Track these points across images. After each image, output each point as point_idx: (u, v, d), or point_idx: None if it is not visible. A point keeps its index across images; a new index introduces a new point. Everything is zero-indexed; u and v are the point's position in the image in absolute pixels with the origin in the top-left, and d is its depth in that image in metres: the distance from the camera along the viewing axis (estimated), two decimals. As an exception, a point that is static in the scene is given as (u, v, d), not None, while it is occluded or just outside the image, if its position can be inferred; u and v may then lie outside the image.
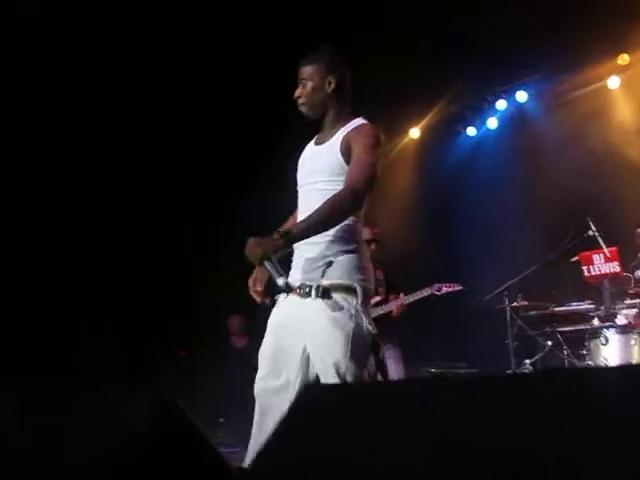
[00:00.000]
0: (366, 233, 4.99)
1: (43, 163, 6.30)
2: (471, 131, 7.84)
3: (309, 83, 2.68)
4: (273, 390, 2.55)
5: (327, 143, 2.68)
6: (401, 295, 4.80)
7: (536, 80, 7.17)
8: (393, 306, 4.78)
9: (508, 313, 4.91)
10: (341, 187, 2.54)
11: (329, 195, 2.53)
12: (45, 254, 6.30)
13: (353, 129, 2.63)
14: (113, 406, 1.74)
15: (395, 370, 4.76)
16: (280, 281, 2.39)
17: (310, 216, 2.48)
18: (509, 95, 7.45)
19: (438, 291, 4.76)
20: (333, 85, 2.68)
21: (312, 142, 2.81)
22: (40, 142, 6.33)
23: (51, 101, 6.13)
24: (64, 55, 5.89)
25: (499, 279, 5.27)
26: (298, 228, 2.49)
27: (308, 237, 2.49)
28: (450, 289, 4.75)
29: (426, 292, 4.77)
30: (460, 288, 4.76)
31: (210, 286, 6.51)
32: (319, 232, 2.50)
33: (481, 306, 5.14)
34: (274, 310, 2.68)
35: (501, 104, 7.52)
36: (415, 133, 7.90)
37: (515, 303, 4.98)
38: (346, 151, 2.59)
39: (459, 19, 6.02)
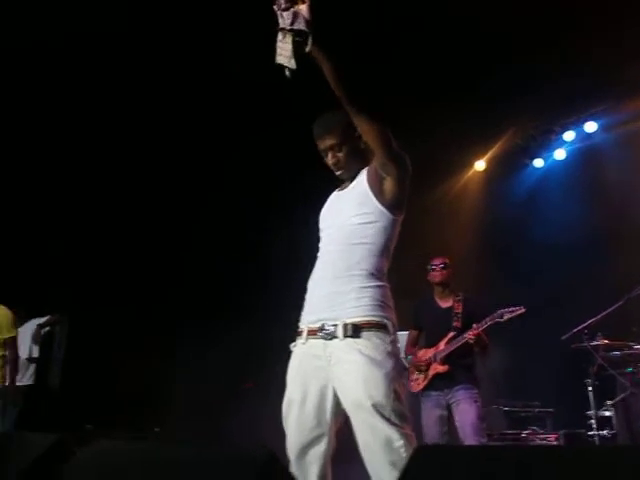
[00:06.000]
0: (436, 260, 4.97)
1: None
2: (538, 163, 7.71)
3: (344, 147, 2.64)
4: (306, 446, 2.44)
5: (352, 184, 2.66)
6: (473, 326, 4.66)
7: (605, 110, 7.02)
8: (469, 335, 4.63)
9: (588, 352, 4.74)
10: (369, 220, 2.52)
11: (359, 229, 2.51)
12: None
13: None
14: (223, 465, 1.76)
15: (463, 410, 4.58)
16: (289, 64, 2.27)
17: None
18: (577, 126, 7.32)
19: (500, 318, 4.60)
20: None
21: (335, 192, 2.79)
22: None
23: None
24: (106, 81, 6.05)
25: (575, 317, 5.11)
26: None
27: (331, 70, 2.35)
28: (513, 314, 4.58)
29: (490, 321, 4.62)
30: (522, 310, 4.57)
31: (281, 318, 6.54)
32: (336, 81, 2.36)
33: (559, 344, 4.98)
34: (291, 361, 2.56)
35: (569, 135, 7.39)
36: (480, 165, 7.82)
37: (595, 341, 4.81)
38: (372, 179, 2.55)
39: (525, 51, 5.96)
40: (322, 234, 2.71)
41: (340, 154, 2.64)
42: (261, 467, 1.64)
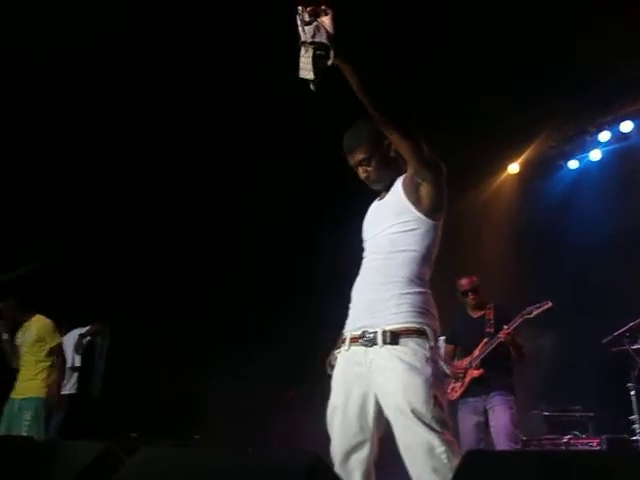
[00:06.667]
0: (465, 283, 4.96)
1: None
2: (573, 164, 7.63)
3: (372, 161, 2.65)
4: (349, 451, 2.45)
5: (389, 193, 2.66)
6: (504, 327, 4.67)
7: (641, 109, 6.92)
8: (501, 335, 4.64)
9: (630, 355, 4.68)
10: (410, 228, 2.53)
11: (401, 237, 2.52)
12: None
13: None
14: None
15: (498, 416, 4.58)
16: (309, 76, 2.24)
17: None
18: (613, 126, 7.21)
19: (529, 314, 4.61)
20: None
21: (375, 202, 2.79)
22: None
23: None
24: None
25: (615, 320, 5.04)
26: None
27: (358, 82, 2.33)
28: (540, 309, 4.58)
29: (519, 319, 4.64)
30: (550, 305, 4.57)
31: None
32: (363, 92, 2.34)
33: (600, 347, 4.93)
34: (335, 368, 2.59)
35: (604, 136, 7.28)
36: (514, 168, 7.75)
37: (637, 345, 4.75)
38: (408, 187, 2.55)
39: (559, 51, 5.92)
40: (365, 244, 2.73)
41: (370, 167, 2.65)
42: (308, 470, 1.65)
